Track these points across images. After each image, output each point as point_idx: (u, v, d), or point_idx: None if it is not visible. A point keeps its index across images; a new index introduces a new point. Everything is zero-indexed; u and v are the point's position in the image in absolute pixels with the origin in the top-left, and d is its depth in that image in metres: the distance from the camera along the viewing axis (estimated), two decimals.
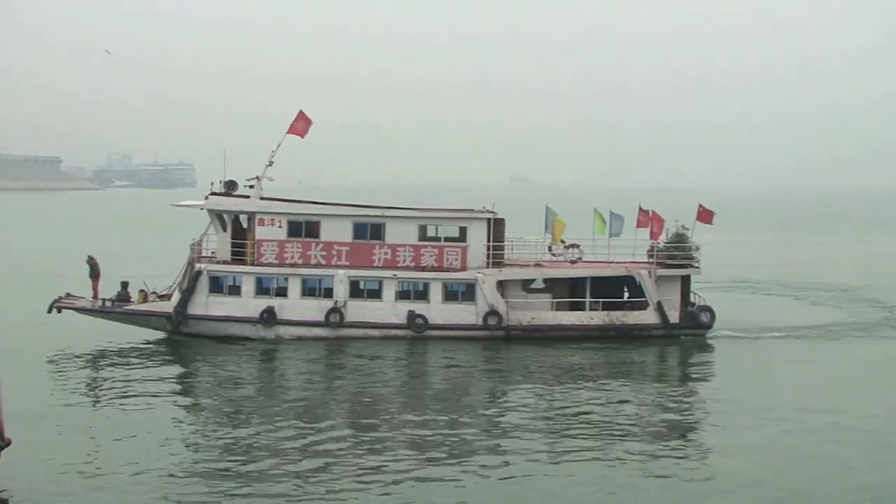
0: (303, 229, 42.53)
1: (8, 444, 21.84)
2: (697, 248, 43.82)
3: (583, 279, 43.11)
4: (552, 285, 43.64)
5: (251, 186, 43.79)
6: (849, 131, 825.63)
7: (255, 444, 26.72)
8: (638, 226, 44.91)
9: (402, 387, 34.80)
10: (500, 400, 32.70)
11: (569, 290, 43.38)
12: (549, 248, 45.03)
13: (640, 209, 44.78)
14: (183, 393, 33.78)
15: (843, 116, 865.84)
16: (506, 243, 44.04)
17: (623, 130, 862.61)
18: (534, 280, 43.99)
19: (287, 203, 43.38)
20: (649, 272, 42.63)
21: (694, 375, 37.70)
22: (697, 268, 43.57)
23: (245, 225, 43.27)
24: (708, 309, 42.80)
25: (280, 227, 42.40)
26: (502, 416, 30.36)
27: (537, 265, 44.30)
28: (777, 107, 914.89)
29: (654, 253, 44.19)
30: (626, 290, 43.93)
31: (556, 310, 42.90)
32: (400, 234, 42.44)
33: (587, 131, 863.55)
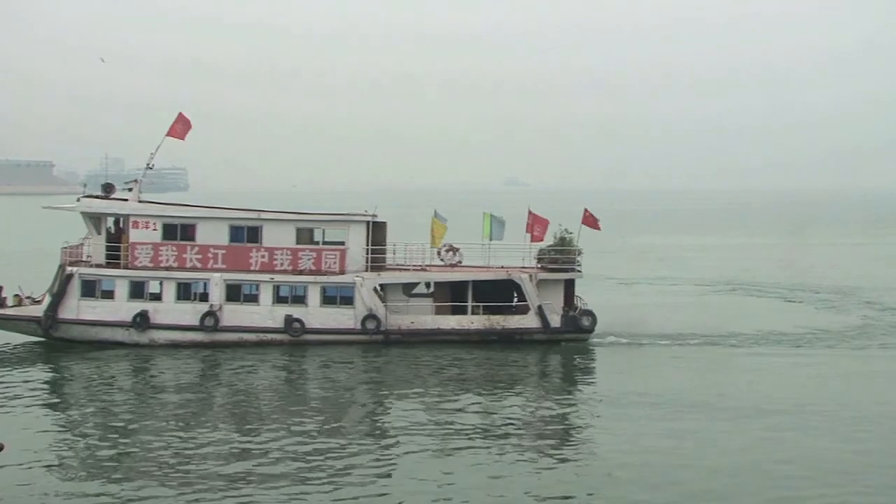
0: (178, 232, 41.83)
1: None
2: (580, 253, 43.68)
3: (465, 283, 42.84)
4: (435, 289, 43.34)
5: (129, 189, 43.13)
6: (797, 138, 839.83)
7: (122, 453, 26.09)
8: (527, 229, 44.75)
9: (277, 392, 34.15)
10: (376, 405, 32.38)
11: (451, 295, 43.06)
12: (438, 253, 44.69)
13: (529, 212, 44.63)
14: (46, 399, 32.66)
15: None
16: (388, 246, 43.74)
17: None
18: (416, 284, 43.66)
19: (162, 206, 42.71)
20: (530, 276, 42.45)
21: (568, 379, 37.75)
22: (580, 272, 43.46)
23: (116, 228, 42.53)
24: (589, 313, 42.65)
25: (155, 230, 41.66)
26: (376, 420, 30.08)
27: (423, 269, 43.95)
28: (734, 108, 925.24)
29: (539, 257, 44.06)
30: (515, 294, 43.68)
31: (439, 314, 42.56)
32: (277, 237, 41.87)
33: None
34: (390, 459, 25.82)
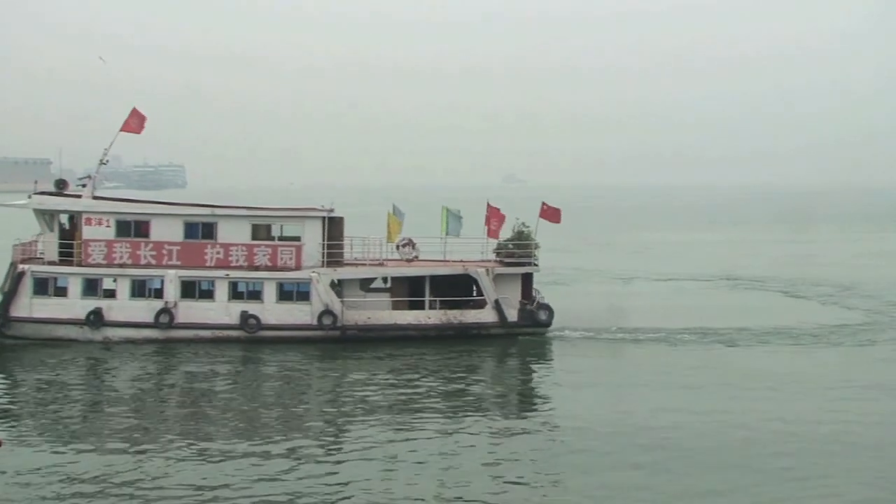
0: (132, 229, 41.54)
1: None
2: (537, 247, 43.72)
3: (423, 278, 42.80)
4: (392, 285, 43.27)
5: (83, 185, 42.79)
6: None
7: (74, 453, 25.77)
8: (486, 223, 44.76)
9: (232, 389, 33.91)
10: (331, 400, 32.23)
11: (408, 290, 43.00)
12: (397, 247, 44.61)
13: (489, 205, 44.63)
14: None
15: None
16: (345, 242, 43.60)
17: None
18: (374, 279, 43.58)
19: (116, 202, 42.41)
20: (487, 270, 42.45)
21: (523, 374, 37.84)
22: (537, 265, 43.50)
23: (70, 225, 42.15)
24: (547, 307, 42.73)
25: (108, 226, 41.34)
26: (331, 416, 29.93)
27: (380, 264, 43.85)
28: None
29: (497, 251, 44.10)
30: (475, 289, 43.67)
31: (396, 309, 42.51)
32: (232, 233, 41.66)
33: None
34: (344, 452, 25.82)
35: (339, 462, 25.18)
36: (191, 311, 40.82)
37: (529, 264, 43.40)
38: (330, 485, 23.40)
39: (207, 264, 41.36)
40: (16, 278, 40.61)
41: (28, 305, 40.52)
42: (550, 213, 44.82)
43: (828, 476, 24.16)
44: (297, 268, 41.68)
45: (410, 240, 44.54)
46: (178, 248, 41.33)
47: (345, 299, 41.83)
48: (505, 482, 23.75)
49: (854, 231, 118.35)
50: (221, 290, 41.11)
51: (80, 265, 41.07)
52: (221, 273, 41.15)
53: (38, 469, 24.30)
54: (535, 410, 31.61)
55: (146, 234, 41.45)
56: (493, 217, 43.97)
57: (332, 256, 42.34)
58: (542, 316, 42.48)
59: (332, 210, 42.76)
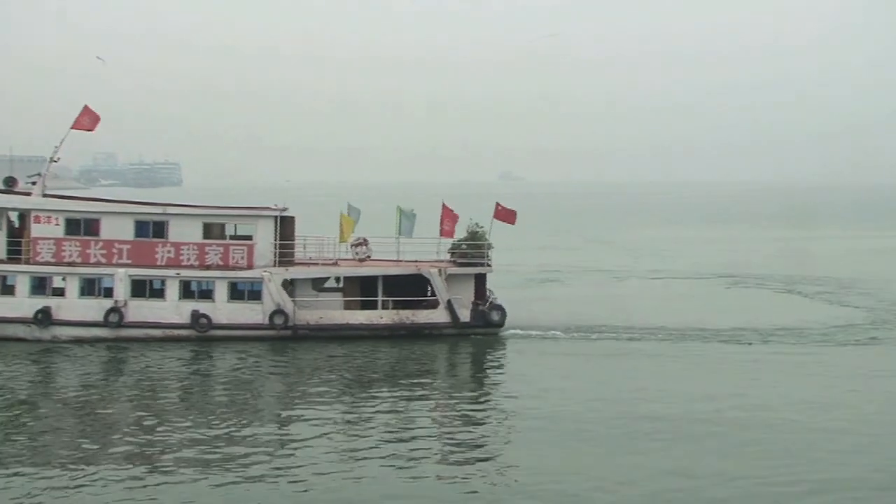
0: (81, 227, 41.25)
1: None
2: (490, 247, 43.83)
3: (375, 278, 42.80)
4: (345, 284, 43.25)
5: (33, 183, 42.46)
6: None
7: (19, 451, 25.68)
8: (441, 224, 44.78)
9: (182, 388, 33.78)
10: (281, 400, 32.21)
11: (361, 290, 42.98)
12: (352, 247, 44.56)
13: (444, 206, 44.67)
14: None
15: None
16: (297, 241, 43.56)
17: None
18: (326, 279, 43.54)
19: (65, 200, 42.12)
20: (440, 271, 42.51)
21: (474, 374, 37.83)
22: (489, 266, 43.61)
23: (20, 223, 41.82)
24: (499, 308, 42.83)
25: (57, 224, 41.04)
26: (281, 415, 29.94)
27: (333, 264, 43.81)
28: None
29: (451, 251, 44.17)
30: (429, 289, 43.70)
31: (348, 309, 42.49)
32: (183, 232, 41.49)
33: None
34: (295, 452, 25.77)
35: (292, 458, 25.19)
36: (141, 311, 40.61)
37: (482, 264, 43.51)
38: (286, 482, 23.45)
39: (158, 263, 41.15)
40: None
41: None
42: (505, 214, 44.93)
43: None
44: (249, 267, 41.56)
45: (364, 239, 44.53)
46: (129, 246, 41.09)
47: (297, 299, 41.76)
48: (454, 474, 24.06)
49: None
50: (172, 290, 40.93)
51: (28, 263, 40.74)
52: (172, 272, 40.97)
53: None
54: (481, 404, 31.69)
55: (96, 233, 41.18)
56: (447, 217, 44.01)
57: (285, 256, 42.26)
58: (495, 316, 42.59)
59: (284, 209, 42.69)
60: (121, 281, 40.51)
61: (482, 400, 32.70)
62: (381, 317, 42.15)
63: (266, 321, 41.00)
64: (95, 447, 26.15)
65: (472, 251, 43.68)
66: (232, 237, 42.21)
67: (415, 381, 34.87)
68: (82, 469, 24.22)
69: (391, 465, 24.77)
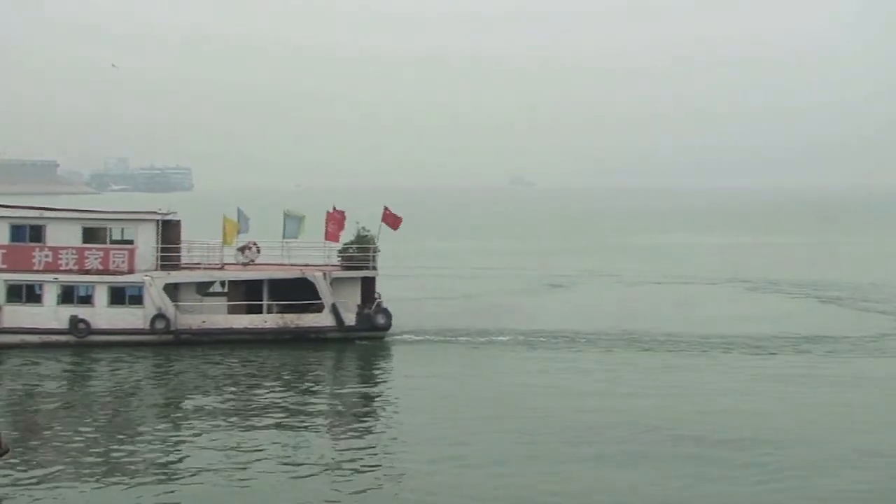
0: None
1: None
2: (377, 251, 43.91)
3: (260, 282, 42.64)
4: (229, 289, 43.02)
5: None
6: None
7: None
8: (326, 227, 44.73)
9: (59, 395, 33.25)
10: (160, 406, 31.90)
11: (246, 294, 42.76)
12: (241, 251, 44.31)
13: (335, 209, 44.62)
14: None
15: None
16: (183, 245, 43.19)
17: None
18: (212, 283, 43.26)
19: None
20: (324, 274, 42.47)
21: (354, 378, 37.92)
22: (375, 269, 43.68)
23: None
24: (385, 311, 42.90)
25: None
26: (161, 422, 29.55)
27: (219, 268, 43.53)
28: None
29: (339, 255, 44.18)
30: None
31: (233, 313, 42.26)
32: (62, 236, 40.90)
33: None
34: (176, 460, 25.54)
35: (173, 468, 24.98)
36: (17, 316, 39.90)
37: (368, 268, 43.57)
38: (163, 493, 23.21)
39: (35, 268, 40.47)
40: None
41: None
42: (391, 219, 45.08)
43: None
44: (131, 271, 41.09)
45: (253, 243, 44.34)
46: (4, 251, 40.35)
47: (180, 303, 41.40)
48: (339, 479, 24.16)
49: None
50: (50, 294, 40.31)
51: None
52: (50, 277, 40.37)
53: None
54: (360, 408, 32.00)
55: None
56: (332, 220, 43.99)
57: (168, 260, 41.88)
58: (381, 320, 42.63)
59: (167, 213, 42.37)
60: None
61: (361, 403, 32.84)
62: (266, 321, 41.97)
63: (147, 326, 40.56)
64: None
65: (358, 255, 43.74)
66: (114, 242, 41.71)
67: (294, 384, 34.97)
68: None
69: (277, 471, 24.69)
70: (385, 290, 44.66)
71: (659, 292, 60.70)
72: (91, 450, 26.41)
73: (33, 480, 23.63)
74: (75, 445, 26.82)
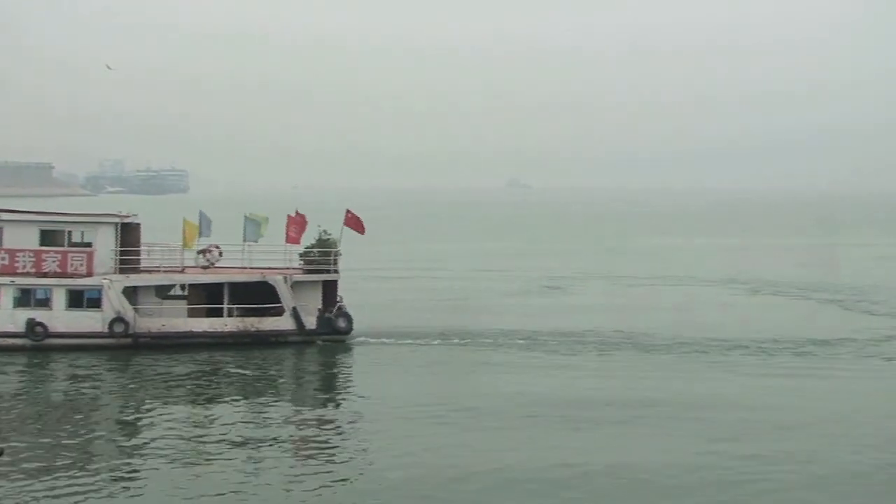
0: None
1: None
2: (338, 254, 43.85)
3: (220, 285, 42.48)
4: (189, 292, 42.82)
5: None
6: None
7: None
8: (287, 231, 44.60)
9: (14, 400, 32.89)
10: (117, 410, 31.74)
11: (206, 297, 42.57)
12: (202, 254, 44.10)
13: (297, 212, 44.52)
14: None
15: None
16: (143, 248, 43.02)
17: None
18: (171, 287, 43.05)
19: None
20: (285, 278, 42.36)
21: (314, 382, 37.93)
22: (337, 272, 43.62)
23: None
24: (346, 315, 42.83)
25: None
26: (119, 427, 29.48)
27: (179, 271, 43.32)
28: None
29: (301, 258, 44.09)
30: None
31: (193, 316, 42.06)
32: (18, 238, 40.56)
33: None
34: (134, 465, 25.44)
35: (129, 475, 24.86)
36: None
37: (329, 271, 43.51)
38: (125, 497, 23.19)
39: None
40: None
41: None
42: (354, 222, 45.04)
43: None
44: (89, 274, 40.81)
45: (215, 246, 44.15)
46: None
47: (139, 306, 41.17)
48: (298, 479, 24.30)
49: None
50: (6, 297, 39.95)
51: None
52: (6, 279, 40.01)
53: None
54: (320, 410, 32.11)
55: None
56: (293, 224, 43.87)
57: (127, 263, 41.63)
58: (341, 323, 42.57)
59: (127, 216, 42.15)
60: None
61: (319, 405, 32.93)
62: (226, 324, 41.81)
63: (106, 329, 40.30)
64: None
65: (319, 258, 43.68)
66: (72, 244, 41.41)
67: (253, 388, 34.87)
68: None
69: (235, 474, 24.69)
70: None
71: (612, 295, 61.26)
72: (45, 455, 26.20)
73: None
74: (30, 453, 26.52)
